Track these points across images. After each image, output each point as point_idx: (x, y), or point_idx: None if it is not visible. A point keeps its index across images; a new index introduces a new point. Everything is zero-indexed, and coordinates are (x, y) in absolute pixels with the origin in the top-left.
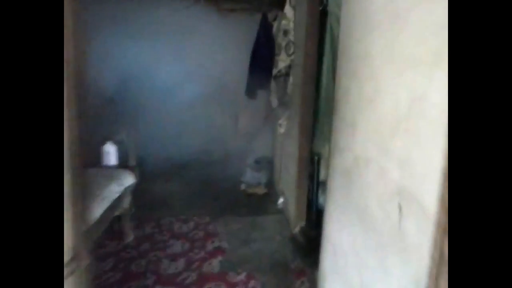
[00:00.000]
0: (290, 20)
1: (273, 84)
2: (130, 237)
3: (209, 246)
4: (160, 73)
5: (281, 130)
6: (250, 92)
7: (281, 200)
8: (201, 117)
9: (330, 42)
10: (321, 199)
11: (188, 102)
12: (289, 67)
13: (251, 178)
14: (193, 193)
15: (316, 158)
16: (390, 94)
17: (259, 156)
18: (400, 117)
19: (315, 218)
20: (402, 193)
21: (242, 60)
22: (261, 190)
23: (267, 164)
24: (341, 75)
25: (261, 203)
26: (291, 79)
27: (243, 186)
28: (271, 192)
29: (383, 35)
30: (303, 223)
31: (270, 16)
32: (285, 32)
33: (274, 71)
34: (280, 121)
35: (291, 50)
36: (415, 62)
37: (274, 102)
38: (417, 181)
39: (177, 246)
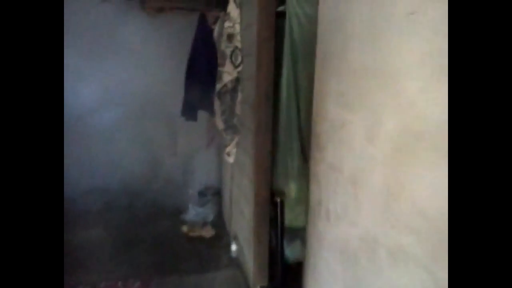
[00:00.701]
0: (235, 22)
1: (217, 102)
2: None
3: None
4: (75, 89)
5: (230, 159)
6: (188, 112)
7: (234, 247)
8: (132, 140)
9: (290, 49)
10: (287, 251)
11: (115, 123)
12: (237, 80)
13: (195, 215)
14: (121, 242)
15: (278, 200)
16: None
17: (204, 186)
18: None
19: (281, 275)
20: None
21: (178, 72)
22: (208, 233)
23: (213, 196)
24: (325, 99)
25: (209, 251)
26: (239, 96)
27: (185, 228)
28: (221, 233)
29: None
30: (265, 283)
31: (210, 17)
32: (230, 37)
33: (218, 86)
34: (228, 149)
35: (239, 60)
36: None
37: (220, 124)
38: None
39: None
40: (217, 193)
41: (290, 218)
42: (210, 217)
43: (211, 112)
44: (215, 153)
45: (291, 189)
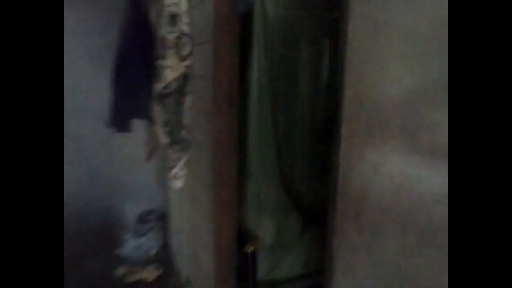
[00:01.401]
0: None
1: (157, 108)
2: None
3: None
4: None
5: (177, 184)
6: (118, 122)
7: None
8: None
9: (262, 29)
10: None
11: None
12: (185, 78)
13: (134, 249)
14: None
15: (249, 251)
16: None
17: (145, 209)
18: None
19: None
20: None
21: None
22: (151, 274)
23: (157, 221)
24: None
25: None
26: (188, 100)
27: (121, 271)
28: (168, 273)
29: None
30: None
31: None
32: (173, 18)
33: (158, 87)
34: (174, 171)
35: (187, 50)
36: None
37: (162, 137)
38: None
39: None
40: (162, 218)
41: (266, 268)
42: (153, 250)
43: (149, 120)
44: (158, 167)
45: (267, 230)
